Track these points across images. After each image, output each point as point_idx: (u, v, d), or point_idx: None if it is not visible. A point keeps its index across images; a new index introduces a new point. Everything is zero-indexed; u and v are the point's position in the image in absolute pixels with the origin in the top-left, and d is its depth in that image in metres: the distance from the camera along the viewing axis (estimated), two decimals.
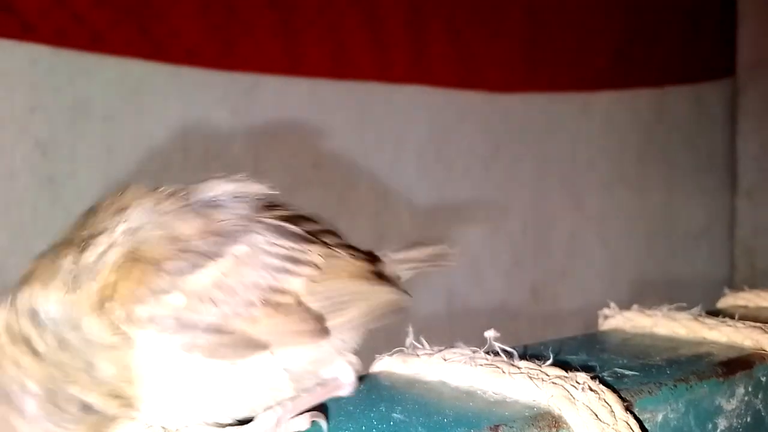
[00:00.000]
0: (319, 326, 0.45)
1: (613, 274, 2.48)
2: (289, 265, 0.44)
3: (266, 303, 0.42)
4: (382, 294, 0.51)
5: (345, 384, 0.48)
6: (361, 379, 0.54)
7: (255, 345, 0.42)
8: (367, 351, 0.57)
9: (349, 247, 0.52)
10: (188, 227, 0.42)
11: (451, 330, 1.70)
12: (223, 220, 0.43)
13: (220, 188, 0.46)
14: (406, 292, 0.54)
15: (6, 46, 1.43)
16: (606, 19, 2.42)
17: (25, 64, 1.45)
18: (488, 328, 0.55)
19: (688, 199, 2.67)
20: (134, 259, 0.40)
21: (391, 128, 2.01)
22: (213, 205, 0.44)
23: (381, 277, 0.53)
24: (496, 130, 2.23)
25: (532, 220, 2.32)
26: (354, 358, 0.49)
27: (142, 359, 0.40)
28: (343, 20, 1.87)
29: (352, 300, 0.48)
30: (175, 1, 1.61)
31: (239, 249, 0.43)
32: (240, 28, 1.71)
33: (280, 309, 0.43)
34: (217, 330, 0.41)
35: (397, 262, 0.58)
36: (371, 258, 0.54)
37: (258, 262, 0.43)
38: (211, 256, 0.41)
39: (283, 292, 0.43)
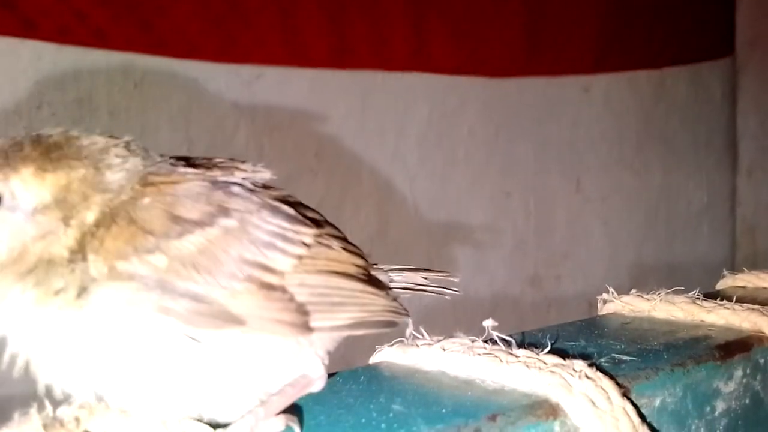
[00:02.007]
0: (302, 320, 0.44)
1: (615, 256, 2.50)
2: (279, 243, 0.45)
3: (250, 279, 0.43)
4: (376, 300, 0.50)
5: (315, 379, 0.47)
6: (362, 370, 0.54)
7: (231, 319, 0.42)
8: (367, 342, 0.58)
9: (346, 242, 0.52)
10: (187, 202, 0.43)
11: (454, 316, 1.72)
12: (221, 198, 0.44)
13: (229, 172, 0.47)
14: (403, 308, 0.52)
15: (10, 44, 1.44)
16: (604, 1, 2.42)
17: (30, 61, 1.47)
18: (491, 313, 0.55)
19: (688, 179, 2.68)
20: (129, 222, 0.42)
21: (391, 116, 2.02)
22: (218, 184, 0.46)
23: (375, 282, 0.51)
24: (496, 114, 2.24)
25: (534, 204, 2.34)
26: (322, 352, 0.48)
27: (113, 319, 0.40)
28: (342, 10, 1.87)
29: (343, 302, 0.47)
30: None
31: (229, 222, 0.44)
32: (241, 21, 1.71)
33: (263, 288, 0.43)
34: (195, 297, 0.41)
35: (395, 280, 0.57)
36: (365, 259, 0.53)
37: (247, 236, 0.44)
38: (200, 224, 0.42)
39: (269, 270, 0.44)
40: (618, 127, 2.52)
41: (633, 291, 0.75)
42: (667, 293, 0.72)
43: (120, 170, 0.45)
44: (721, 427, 0.59)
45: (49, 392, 0.43)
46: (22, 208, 0.42)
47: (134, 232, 0.41)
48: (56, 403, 0.42)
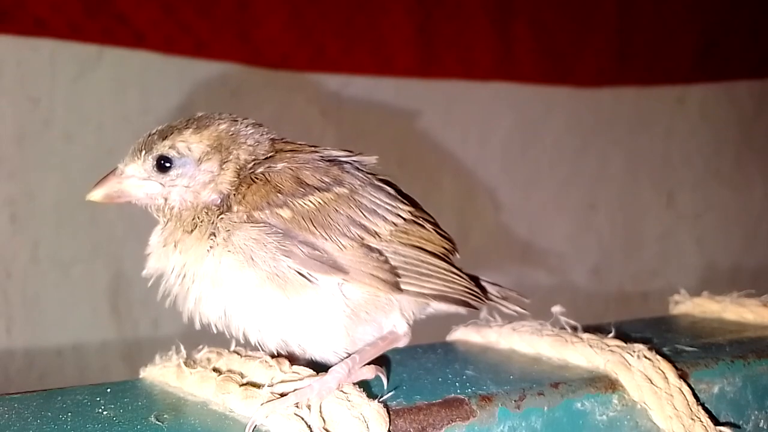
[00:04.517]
0: (393, 280, 0.53)
1: (708, 276, 2.40)
2: (379, 211, 0.55)
3: (354, 237, 0.53)
4: (459, 281, 0.58)
5: (401, 336, 0.56)
6: (439, 344, 0.60)
7: (337, 267, 0.52)
8: (443, 322, 0.62)
9: (438, 227, 0.60)
10: (310, 172, 0.55)
11: None
12: (337, 172, 0.56)
13: (343, 153, 0.59)
14: (482, 295, 0.60)
15: (121, 54, 1.57)
16: (701, 7, 2.34)
17: (138, 70, 1.59)
18: (573, 327, 0.58)
19: None
20: (265, 182, 0.54)
21: (475, 125, 2.05)
22: (335, 162, 0.57)
23: (459, 268, 0.60)
24: (583, 125, 2.22)
25: (621, 218, 2.29)
26: (408, 314, 0.56)
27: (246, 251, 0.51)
28: (428, 20, 1.92)
29: (430, 275, 0.56)
30: (271, 9, 1.71)
31: (341, 189, 0.55)
32: (330, 32, 1.79)
33: (364, 247, 0.53)
34: (311, 245, 0.52)
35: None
36: (454, 244, 0.61)
37: (354, 203, 0.54)
38: (318, 189, 0.54)
39: (370, 232, 0.54)
40: (715, 140, 2.44)
41: (705, 293, 0.75)
42: (738, 296, 0.72)
43: (252, 129, 0.58)
44: None
45: (191, 321, 0.53)
46: (190, 160, 0.56)
47: (269, 190, 0.53)
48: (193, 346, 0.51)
